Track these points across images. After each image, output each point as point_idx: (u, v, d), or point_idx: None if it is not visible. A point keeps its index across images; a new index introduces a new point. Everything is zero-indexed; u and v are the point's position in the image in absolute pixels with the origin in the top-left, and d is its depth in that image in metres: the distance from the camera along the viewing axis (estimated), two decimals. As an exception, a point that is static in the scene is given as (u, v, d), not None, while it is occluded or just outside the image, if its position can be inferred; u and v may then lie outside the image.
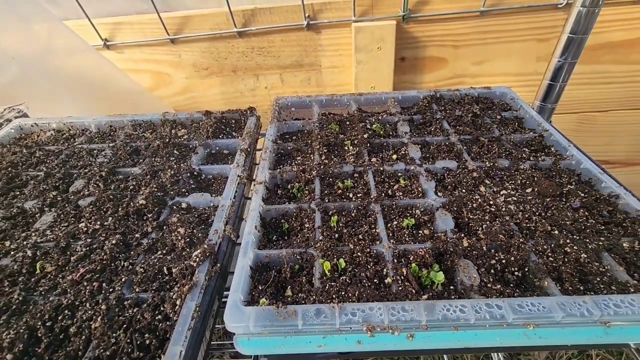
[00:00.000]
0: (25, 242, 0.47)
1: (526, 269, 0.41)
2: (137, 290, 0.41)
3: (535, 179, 0.53)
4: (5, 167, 0.62)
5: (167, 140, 0.67)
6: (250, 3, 1.14)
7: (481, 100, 0.76)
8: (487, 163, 0.57)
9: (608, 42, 1.22)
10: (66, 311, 0.38)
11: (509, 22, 1.16)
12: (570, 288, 0.38)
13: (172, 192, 0.55)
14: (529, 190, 0.52)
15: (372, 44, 1.13)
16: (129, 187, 0.57)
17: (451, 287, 0.40)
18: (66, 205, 0.53)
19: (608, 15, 1.14)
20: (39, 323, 0.37)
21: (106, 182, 0.58)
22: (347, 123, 0.71)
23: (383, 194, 0.52)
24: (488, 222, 0.46)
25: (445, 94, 0.77)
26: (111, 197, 0.54)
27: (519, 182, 0.53)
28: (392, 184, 0.55)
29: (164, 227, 0.49)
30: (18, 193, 0.57)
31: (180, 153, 0.65)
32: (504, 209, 0.48)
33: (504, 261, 0.41)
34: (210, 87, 1.34)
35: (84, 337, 0.36)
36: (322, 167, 0.57)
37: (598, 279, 0.39)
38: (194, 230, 0.48)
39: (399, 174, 0.57)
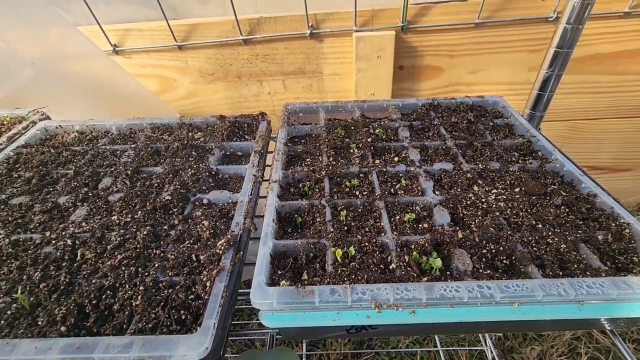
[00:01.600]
0: (63, 233, 0.52)
1: (513, 258, 0.47)
2: (170, 274, 0.46)
3: (523, 179, 0.59)
4: (37, 166, 0.67)
5: (185, 142, 0.72)
6: (256, 12, 1.20)
7: (475, 108, 0.83)
8: (480, 165, 0.63)
9: (596, 54, 1.29)
10: (108, 292, 0.43)
11: (503, 33, 1.23)
12: (550, 273, 0.44)
13: (193, 190, 0.60)
14: (517, 189, 0.58)
15: (372, 53, 1.19)
16: (154, 184, 0.62)
17: (447, 273, 0.45)
18: (97, 200, 0.59)
19: (596, 28, 1.21)
20: (86, 301, 0.42)
21: (132, 180, 0.63)
22: (352, 128, 0.77)
23: (386, 192, 0.58)
24: (480, 217, 0.52)
25: (442, 102, 0.83)
26: (138, 193, 0.59)
27: (508, 182, 0.59)
28: (394, 183, 0.61)
29: (189, 220, 0.54)
30: (51, 189, 0.62)
31: (197, 154, 0.71)
32: (494, 206, 0.54)
33: (493, 250, 0.47)
34: (215, 92, 1.39)
35: (127, 312, 0.41)
36: (330, 167, 0.63)
37: (575, 266, 0.45)
38: (217, 223, 0.53)
39: (400, 175, 0.62)
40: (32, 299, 0.42)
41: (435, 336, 1.16)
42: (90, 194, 0.60)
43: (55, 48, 1.07)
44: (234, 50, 1.28)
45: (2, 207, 0.58)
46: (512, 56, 1.21)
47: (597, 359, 1.20)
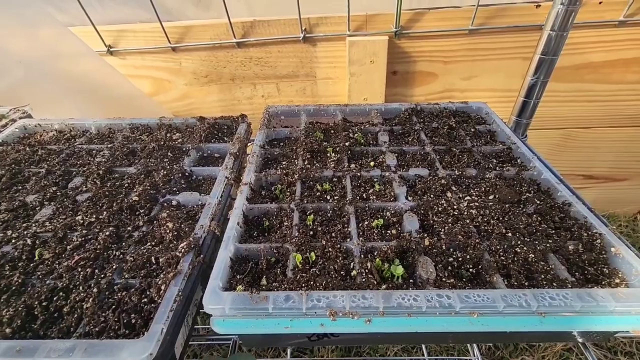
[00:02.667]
0: (25, 232, 0.51)
1: (480, 266, 0.45)
2: (126, 276, 0.45)
3: (497, 187, 0.57)
4: (9, 164, 0.67)
5: (162, 142, 0.72)
6: (250, 15, 1.20)
7: (458, 113, 0.82)
8: (456, 171, 0.62)
9: (590, 63, 1.28)
10: (61, 293, 0.42)
11: (496, 40, 1.23)
12: (515, 283, 0.43)
13: (163, 191, 0.60)
14: (490, 197, 0.56)
15: (365, 58, 1.19)
16: (124, 185, 0.61)
17: (411, 281, 0.44)
18: (65, 199, 0.58)
19: (590, 37, 1.21)
20: (36, 302, 0.41)
21: (103, 180, 0.62)
22: (332, 131, 0.76)
23: (358, 197, 0.57)
24: (450, 225, 0.51)
25: (425, 107, 0.83)
26: (107, 193, 0.58)
27: (483, 189, 0.58)
28: (367, 188, 0.60)
29: (154, 222, 0.53)
30: (20, 188, 0.61)
31: (173, 155, 0.70)
32: (465, 213, 0.53)
33: (460, 259, 0.46)
34: (209, 94, 1.39)
35: (76, 315, 0.40)
36: (304, 171, 0.62)
37: (542, 276, 0.44)
38: (182, 225, 0.52)
39: (375, 180, 0.61)
40: None
41: (423, 345, 1.15)
42: (58, 193, 0.59)
43: (47, 47, 1.07)
44: (227, 53, 1.28)
45: None
46: (506, 63, 1.21)
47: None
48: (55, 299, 0.42)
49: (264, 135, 0.73)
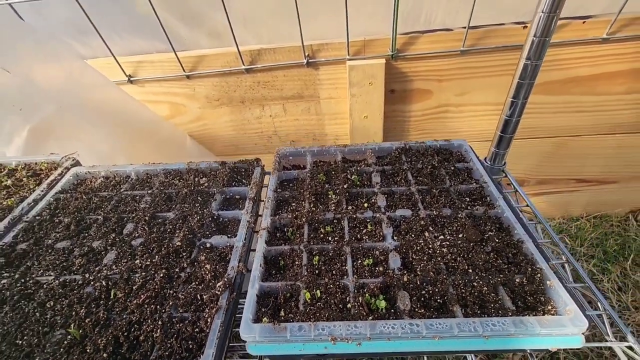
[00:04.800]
0: (99, 275, 0.67)
1: (445, 298, 0.60)
2: (181, 311, 0.60)
3: (466, 226, 0.71)
4: (73, 212, 0.83)
5: (192, 188, 0.87)
6: (257, 42, 1.34)
7: (442, 151, 0.95)
8: (434, 212, 0.75)
9: (577, 77, 1.39)
10: (135, 325, 0.58)
11: (486, 59, 1.34)
12: (470, 312, 0.57)
13: (199, 234, 0.75)
14: (460, 235, 0.70)
15: (364, 80, 1.31)
16: (167, 230, 0.77)
17: (392, 310, 0.59)
18: (123, 245, 0.74)
19: (576, 53, 1.32)
20: (120, 333, 0.57)
21: (150, 226, 0.78)
22: (333, 172, 0.90)
23: (353, 238, 0.71)
24: (425, 262, 0.65)
25: (413, 146, 0.96)
26: (155, 239, 0.74)
27: (454, 228, 0.72)
28: (361, 228, 0.74)
29: (195, 264, 0.69)
30: (86, 234, 0.77)
31: (202, 199, 0.85)
32: (438, 252, 0.67)
33: (430, 292, 0.60)
34: (221, 116, 1.54)
35: (150, 342, 0.56)
36: (310, 214, 0.76)
37: (492, 305, 0.58)
38: (217, 266, 0.67)
39: (367, 221, 0.76)
40: (80, 331, 0.57)
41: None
42: (117, 239, 0.75)
43: (72, 80, 1.20)
44: (237, 78, 1.41)
45: (50, 251, 0.73)
46: (496, 80, 1.30)
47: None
48: (132, 330, 0.58)
49: (276, 179, 0.88)
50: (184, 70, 1.35)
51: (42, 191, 0.89)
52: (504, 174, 1.08)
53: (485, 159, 1.09)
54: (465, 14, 1.15)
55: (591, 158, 1.65)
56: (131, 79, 1.39)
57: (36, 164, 0.99)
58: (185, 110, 1.49)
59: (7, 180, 0.91)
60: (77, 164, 1.00)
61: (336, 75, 1.36)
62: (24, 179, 0.93)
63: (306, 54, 1.31)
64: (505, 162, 1.07)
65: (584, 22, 1.22)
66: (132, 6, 1.18)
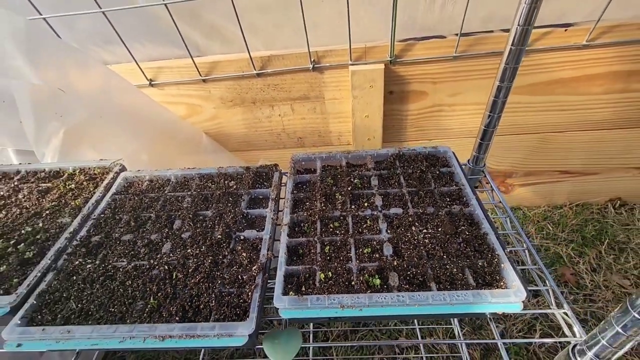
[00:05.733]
0: (161, 261, 0.87)
1: (425, 277, 0.80)
2: (228, 287, 0.81)
3: (444, 222, 0.91)
4: (129, 211, 1.02)
5: (224, 190, 1.06)
6: (267, 49, 1.51)
7: (429, 157, 1.13)
8: (420, 210, 0.95)
9: (560, 79, 1.57)
10: (195, 298, 0.79)
11: (477, 64, 1.51)
12: (443, 287, 0.77)
13: (234, 229, 0.95)
14: (439, 229, 0.90)
15: (365, 83, 1.49)
16: (208, 225, 0.96)
17: (385, 287, 0.79)
18: (175, 237, 0.94)
19: (559, 58, 1.48)
20: (185, 303, 0.77)
21: (194, 222, 0.98)
22: (339, 177, 1.09)
23: (356, 232, 0.91)
24: (411, 250, 0.85)
25: (406, 152, 1.14)
26: (200, 232, 0.94)
27: (435, 223, 0.91)
28: (362, 224, 0.94)
29: (234, 252, 0.89)
30: (143, 229, 0.97)
31: (233, 199, 1.05)
32: (421, 242, 0.86)
33: (414, 273, 0.80)
34: (234, 115, 1.73)
35: (208, 309, 0.76)
36: (321, 212, 0.96)
37: (459, 282, 0.78)
38: (251, 254, 0.87)
39: (367, 217, 0.95)
40: (156, 302, 0.78)
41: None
42: (170, 233, 0.95)
43: (99, 86, 1.36)
44: (249, 82, 1.60)
45: (118, 242, 0.93)
46: (486, 82, 1.44)
47: (548, 334, 1.53)
48: (194, 301, 0.78)
49: (292, 182, 1.07)
50: (200, 75, 1.52)
51: (101, 193, 1.08)
52: (483, 174, 1.27)
53: (468, 160, 1.27)
54: (458, 21, 1.29)
55: (574, 152, 1.83)
56: (152, 82, 1.56)
57: (89, 168, 1.19)
58: (201, 110, 1.66)
59: (71, 184, 1.11)
60: (123, 168, 1.19)
61: (339, 78, 1.53)
62: (84, 182, 1.12)
63: (312, 60, 1.48)
64: (485, 164, 1.25)
65: (565, 30, 1.38)
66: (152, 18, 1.32)
